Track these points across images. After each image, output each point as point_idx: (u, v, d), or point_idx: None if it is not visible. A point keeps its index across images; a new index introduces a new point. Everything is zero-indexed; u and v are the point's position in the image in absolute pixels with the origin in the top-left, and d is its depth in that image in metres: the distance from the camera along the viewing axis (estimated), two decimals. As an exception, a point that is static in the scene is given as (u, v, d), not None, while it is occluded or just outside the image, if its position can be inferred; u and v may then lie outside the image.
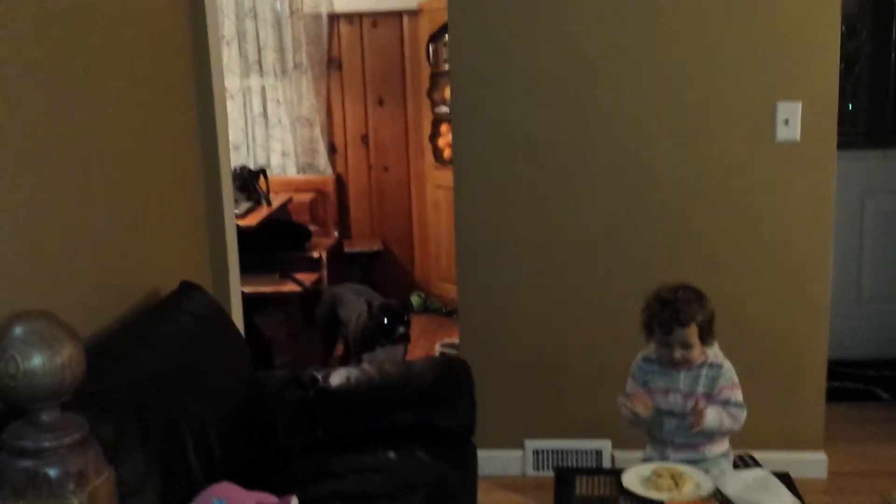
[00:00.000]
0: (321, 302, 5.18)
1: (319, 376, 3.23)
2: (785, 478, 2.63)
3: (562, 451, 3.85)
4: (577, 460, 3.84)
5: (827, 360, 3.74)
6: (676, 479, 2.56)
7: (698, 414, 2.66)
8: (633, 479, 2.60)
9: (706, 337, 2.72)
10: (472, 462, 2.99)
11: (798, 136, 3.57)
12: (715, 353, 2.79)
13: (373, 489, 2.69)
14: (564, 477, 2.68)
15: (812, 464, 3.76)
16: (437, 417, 3.06)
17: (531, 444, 3.87)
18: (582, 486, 2.62)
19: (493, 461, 3.83)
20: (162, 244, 3.18)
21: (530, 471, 3.87)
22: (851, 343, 4.89)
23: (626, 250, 3.72)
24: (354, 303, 4.86)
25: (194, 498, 2.27)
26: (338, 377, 3.20)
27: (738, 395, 2.75)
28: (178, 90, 3.38)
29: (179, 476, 2.34)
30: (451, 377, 3.21)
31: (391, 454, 2.89)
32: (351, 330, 4.80)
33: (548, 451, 3.86)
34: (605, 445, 3.83)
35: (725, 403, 2.72)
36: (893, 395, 4.63)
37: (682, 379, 2.76)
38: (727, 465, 2.83)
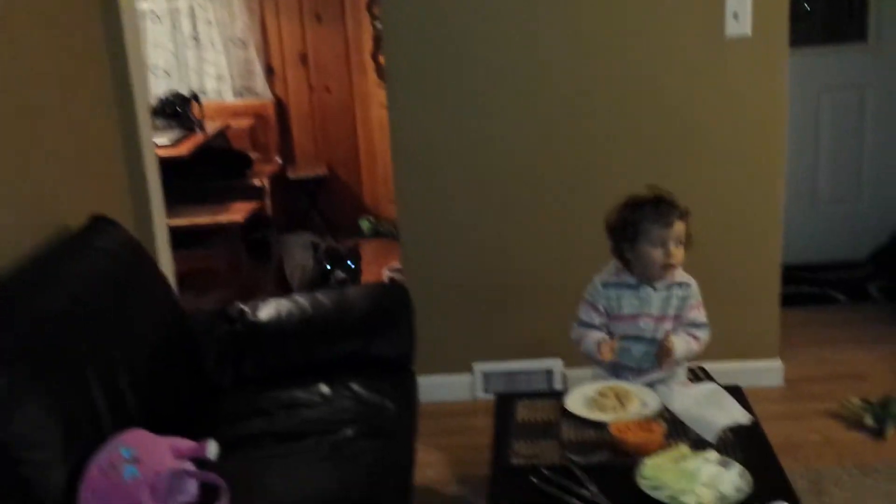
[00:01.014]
0: (272, 255, 4.99)
1: (248, 309, 3.04)
2: (735, 391, 2.51)
3: (512, 373, 3.72)
4: (528, 381, 3.71)
5: (782, 264, 3.62)
6: (622, 398, 2.43)
7: (665, 352, 2.54)
8: (576, 401, 2.46)
9: (689, 240, 2.55)
10: (411, 391, 2.84)
11: (749, 30, 3.36)
12: (679, 271, 2.63)
13: (304, 425, 2.53)
14: (506, 402, 2.54)
15: (768, 372, 3.67)
16: (374, 346, 2.90)
17: (480, 367, 3.73)
18: (523, 411, 2.47)
19: (441, 387, 3.70)
20: (72, 176, 2.94)
21: (480, 394, 3.74)
22: (807, 246, 4.79)
23: (571, 159, 3.53)
24: (300, 256, 4.62)
25: (100, 448, 2.09)
26: (267, 310, 3.02)
27: (703, 315, 2.62)
28: (81, 6, 3.09)
29: (85, 425, 2.15)
30: (388, 304, 3.04)
31: (324, 388, 2.72)
32: (296, 287, 4.61)
33: (498, 374, 3.72)
34: (555, 364, 3.70)
35: (692, 325, 2.59)
36: (850, 297, 4.55)
37: (654, 301, 2.60)
38: (680, 377, 2.70)
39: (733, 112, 3.45)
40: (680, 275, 2.63)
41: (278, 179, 6.09)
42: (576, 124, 3.49)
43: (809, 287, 4.55)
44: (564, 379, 3.70)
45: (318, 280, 4.41)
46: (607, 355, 2.56)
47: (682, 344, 2.55)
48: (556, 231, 3.59)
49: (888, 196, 4.92)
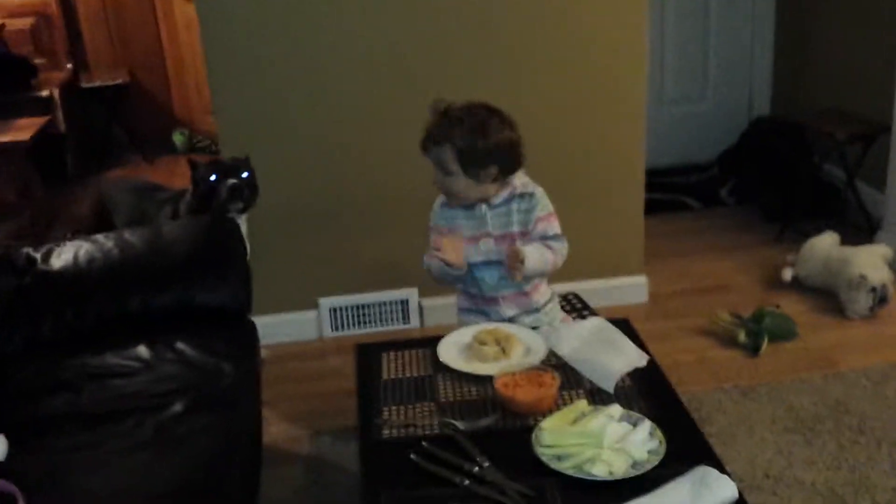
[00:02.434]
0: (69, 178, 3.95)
1: (38, 255, 2.47)
2: (622, 324, 2.22)
3: (363, 307, 3.33)
4: (381, 314, 3.34)
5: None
6: (503, 344, 2.08)
7: (514, 257, 2.17)
8: (451, 351, 2.09)
9: (473, 168, 2.15)
10: (251, 346, 2.39)
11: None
12: (523, 181, 2.27)
13: (119, 402, 2.05)
14: (367, 355, 2.14)
15: (633, 288, 3.46)
16: (201, 294, 2.41)
17: (327, 303, 3.31)
18: (390, 365, 2.09)
19: (284, 326, 3.27)
20: None
21: (328, 332, 3.34)
22: (655, 150, 4.60)
23: (418, 70, 3.09)
24: (128, 205, 3.19)
25: None
26: (62, 255, 2.46)
27: (555, 226, 2.27)
28: None
29: None
30: (214, 240, 2.54)
31: (143, 350, 2.23)
32: None
33: (347, 308, 3.32)
34: (410, 294, 3.34)
35: (543, 237, 2.25)
36: (703, 201, 4.43)
37: (491, 220, 2.25)
38: (556, 313, 2.40)
39: (592, 14, 3.10)
40: (522, 186, 2.27)
41: (70, 89, 5.28)
42: (425, 32, 3.06)
43: (663, 194, 4.38)
44: (421, 310, 3.35)
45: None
46: (448, 251, 2.18)
47: (534, 252, 2.20)
48: (407, 145, 3.15)
49: (734, 96, 4.82)
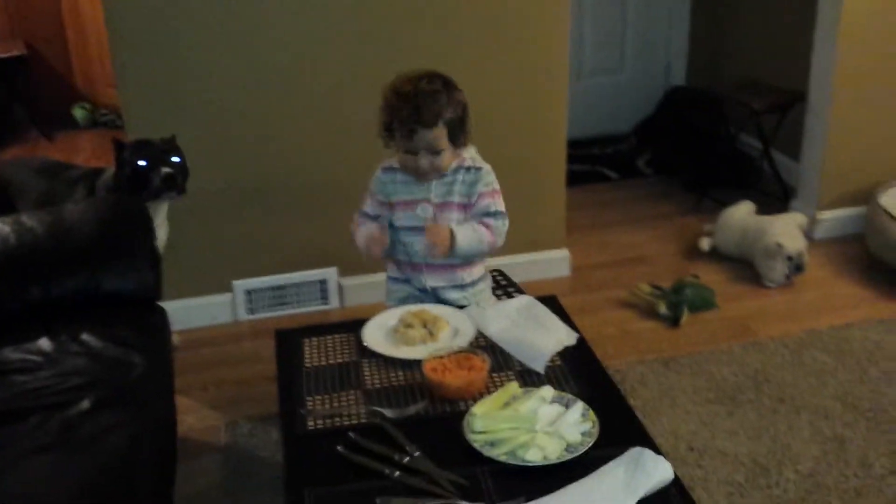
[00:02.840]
0: None
1: (-75, 243, 2.28)
2: (550, 301, 2.19)
3: (279, 288, 3.22)
4: (298, 295, 3.24)
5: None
6: (429, 326, 2.02)
7: (437, 234, 2.12)
8: (376, 335, 2.02)
9: (459, 137, 2.13)
10: (162, 334, 2.26)
11: None
12: (472, 155, 2.22)
13: (19, 400, 1.91)
14: (288, 342, 2.05)
15: (556, 262, 3.44)
16: (107, 280, 2.27)
17: (242, 285, 3.19)
18: (312, 352, 2.00)
19: (196, 311, 3.14)
20: None
21: (243, 315, 3.22)
22: (573, 121, 4.57)
23: (340, 43, 2.97)
24: (51, 182, 2.91)
25: None
26: (-47, 241, 2.27)
27: (499, 203, 2.23)
28: None
29: None
30: (119, 222, 2.39)
31: (45, 343, 2.09)
32: None
33: (263, 290, 3.20)
34: (329, 274, 3.24)
35: (486, 213, 2.20)
36: (621, 172, 4.43)
37: (434, 187, 2.19)
38: (486, 294, 2.35)
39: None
40: (471, 159, 2.22)
41: (-39, 62, 4.96)
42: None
43: (580, 165, 4.37)
44: (341, 290, 3.26)
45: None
46: (376, 251, 2.18)
47: (468, 232, 2.16)
48: (325, 118, 3.05)
49: (650, 67, 4.83)
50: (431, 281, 2.25)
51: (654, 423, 2.54)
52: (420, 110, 2.04)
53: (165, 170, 2.65)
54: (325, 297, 3.27)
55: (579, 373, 1.89)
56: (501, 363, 1.93)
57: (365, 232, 2.22)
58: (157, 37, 2.86)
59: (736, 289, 3.34)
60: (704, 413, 2.63)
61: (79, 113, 5.48)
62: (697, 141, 4.24)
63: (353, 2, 2.95)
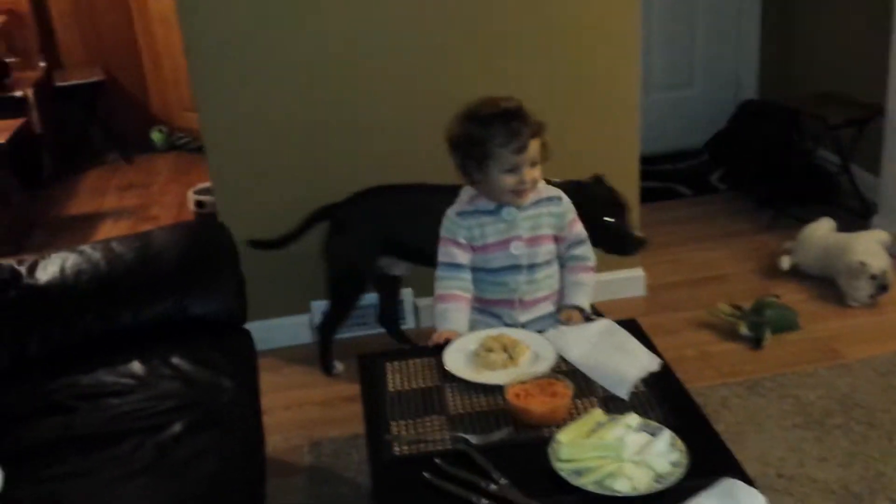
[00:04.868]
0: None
1: (23, 269, 2.38)
2: (630, 325, 2.16)
3: (358, 309, 3.22)
4: (375, 316, 3.26)
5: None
6: (510, 351, 2.02)
7: (571, 320, 2.21)
8: (457, 360, 2.03)
9: (546, 153, 2.15)
10: (249, 357, 2.31)
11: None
12: (545, 185, 2.23)
13: (115, 423, 1.97)
14: (371, 366, 2.07)
15: (630, 282, 3.41)
16: (193, 304, 2.34)
17: (319, 305, 3.22)
18: (395, 377, 2.02)
19: (275, 332, 3.19)
20: None
21: (321, 335, 3.26)
22: (645, 138, 4.54)
23: (408, 64, 3.01)
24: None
25: None
26: (48, 268, 2.37)
27: (582, 228, 2.29)
28: None
29: None
30: (206, 248, 2.47)
31: (137, 366, 2.15)
32: None
33: (339, 311, 3.24)
34: (405, 295, 3.26)
35: (576, 243, 2.27)
36: (694, 188, 4.38)
37: (522, 221, 2.20)
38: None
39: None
40: (546, 189, 2.24)
41: (44, 89, 5.15)
42: (416, 14, 2.96)
43: (652, 182, 4.33)
44: (417, 311, 3.27)
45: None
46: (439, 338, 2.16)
47: (583, 294, 2.26)
48: (398, 138, 3.08)
49: (720, 80, 4.77)
50: (524, 316, 2.24)
51: (740, 449, 2.46)
52: (525, 121, 2.07)
53: (638, 234, 2.73)
54: (401, 318, 3.28)
55: (664, 399, 1.87)
56: (584, 389, 1.91)
57: (445, 312, 2.21)
58: (233, 62, 2.92)
59: (818, 308, 3.27)
60: (792, 438, 2.57)
61: (156, 136, 5.63)
62: (772, 155, 4.16)
63: (417, 24, 2.98)
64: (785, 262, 3.51)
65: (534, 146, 2.10)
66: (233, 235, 2.52)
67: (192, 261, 2.40)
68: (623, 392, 1.88)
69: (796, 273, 3.49)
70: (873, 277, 3.19)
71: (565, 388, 1.84)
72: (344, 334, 3.25)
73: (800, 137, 4.02)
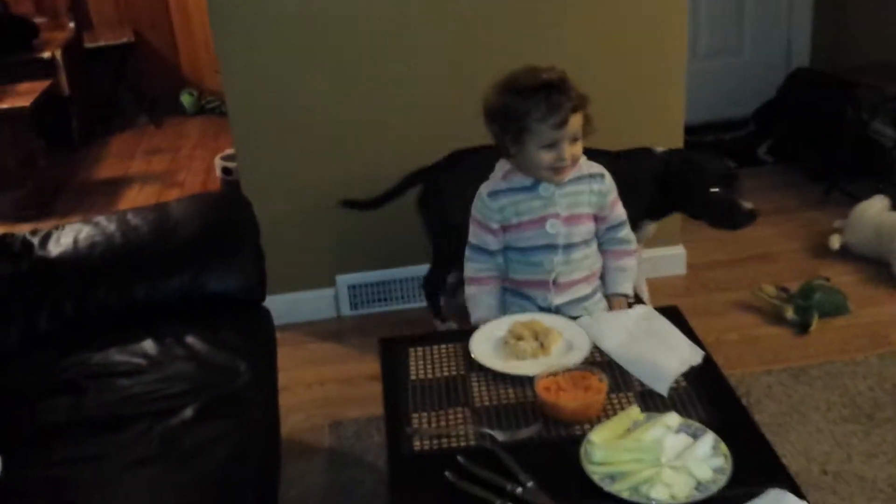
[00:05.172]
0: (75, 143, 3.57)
1: (35, 240, 2.29)
2: (671, 312, 2.02)
3: (382, 284, 3.14)
4: (403, 292, 3.15)
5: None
6: (541, 338, 1.89)
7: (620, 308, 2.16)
8: (484, 347, 1.90)
9: (588, 124, 2.00)
10: (267, 337, 2.21)
11: None
12: (585, 161, 2.08)
13: (123, 406, 1.88)
14: (392, 352, 1.95)
15: (671, 259, 3.26)
16: (211, 280, 2.23)
17: (344, 280, 3.12)
18: (418, 364, 1.90)
19: (300, 306, 3.10)
20: None
21: (346, 310, 3.16)
22: (689, 106, 4.34)
23: (445, 21, 2.85)
24: None
25: None
26: (62, 240, 2.29)
27: (623, 210, 2.18)
28: None
29: None
30: (225, 222, 2.36)
31: (149, 345, 2.06)
32: None
33: (366, 286, 3.13)
34: (432, 269, 3.14)
35: (616, 225, 2.16)
36: (740, 161, 4.16)
37: (560, 199, 2.06)
38: (602, 302, 2.20)
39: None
40: (587, 165, 2.10)
41: (73, 50, 5.07)
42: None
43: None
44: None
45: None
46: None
47: (628, 280, 2.19)
48: (433, 107, 2.94)
49: (771, 47, 4.54)
50: (559, 298, 2.12)
51: (782, 442, 2.35)
52: (569, 94, 1.93)
53: (748, 206, 2.53)
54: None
55: (706, 396, 1.73)
56: (620, 382, 1.78)
57: (480, 304, 2.15)
58: (260, 23, 2.80)
59: (869, 292, 3.09)
60: (839, 432, 2.42)
61: (186, 99, 5.54)
62: (824, 128, 3.95)
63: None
64: (835, 242, 3.34)
65: (575, 121, 1.95)
66: (254, 208, 2.41)
67: (211, 235, 2.29)
68: (662, 388, 1.75)
69: (846, 253, 3.31)
70: (930, 260, 3.01)
71: (600, 383, 1.71)
72: (369, 310, 3.15)
73: (855, 109, 3.80)
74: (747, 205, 2.52)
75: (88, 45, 5.27)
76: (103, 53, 5.29)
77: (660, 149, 2.65)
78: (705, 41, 4.48)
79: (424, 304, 3.13)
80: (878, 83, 3.59)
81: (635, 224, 2.60)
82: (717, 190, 2.50)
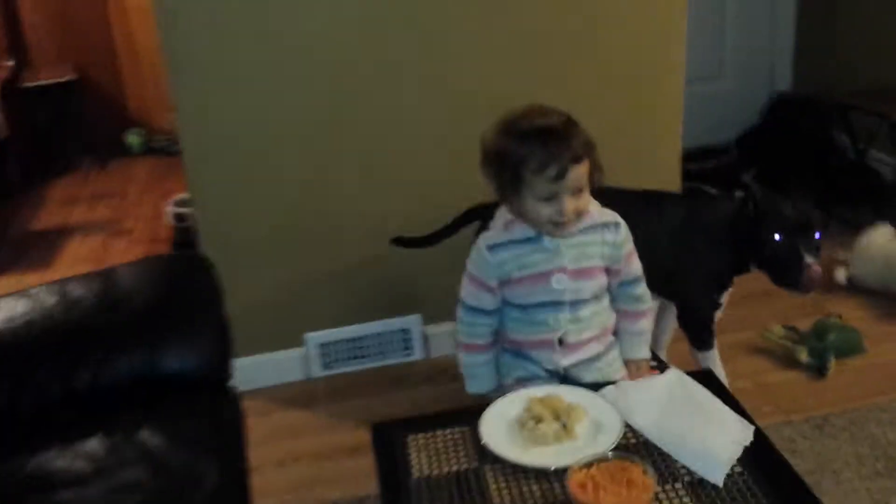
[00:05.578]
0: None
1: (-38, 316, 1.95)
2: (706, 377, 1.77)
3: (357, 340, 2.84)
4: (380, 349, 2.86)
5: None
6: (563, 418, 1.62)
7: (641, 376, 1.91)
8: (498, 431, 1.62)
9: (595, 174, 1.75)
10: (236, 426, 1.89)
11: None
12: (598, 208, 1.83)
13: (66, 522, 1.55)
14: (388, 441, 1.66)
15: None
16: (167, 361, 1.90)
17: (315, 338, 2.82)
18: (420, 456, 1.61)
19: (264, 369, 2.79)
20: None
21: (317, 371, 2.85)
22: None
23: (428, 62, 2.61)
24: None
25: None
26: (-7, 316, 1.94)
27: (639, 264, 1.92)
28: None
29: None
30: (183, 289, 2.04)
31: (96, 444, 1.74)
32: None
33: (339, 343, 2.83)
34: (412, 323, 2.86)
35: (631, 281, 1.91)
36: (725, 188, 3.96)
37: (566, 250, 1.81)
38: (617, 362, 1.94)
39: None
40: (600, 213, 1.85)
41: (11, 89, 4.72)
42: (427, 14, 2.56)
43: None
44: (426, 341, 2.87)
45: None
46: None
47: (644, 343, 1.96)
48: (408, 148, 2.68)
49: (752, 72, 4.37)
50: (567, 359, 1.86)
51: (819, 509, 2.10)
52: (570, 142, 1.68)
53: (809, 260, 2.10)
54: (408, 348, 2.89)
55: (766, 482, 1.47)
56: (662, 470, 1.51)
57: (479, 373, 1.92)
58: (216, 58, 2.51)
59: (884, 328, 2.89)
60: (875, 489, 2.19)
61: (132, 139, 5.21)
62: (815, 154, 3.77)
63: (434, 16, 2.57)
64: (841, 275, 3.13)
65: (577, 172, 1.70)
66: (216, 268, 2.10)
67: (166, 305, 1.97)
68: (718, 477, 1.48)
69: (854, 287, 3.10)
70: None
71: (644, 476, 1.43)
72: (342, 368, 2.86)
73: (851, 135, 3.61)
74: (809, 260, 2.10)
75: (27, 84, 4.92)
76: (44, 93, 4.94)
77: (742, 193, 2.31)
78: (687, 66, 4.28)
79: (404, 359, 2.86)
80: (877, 108, 3.40)
81: (723, 282, 2.36)
82: (781, 237, 2.14)
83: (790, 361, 2.72)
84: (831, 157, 3.68)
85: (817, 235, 2.13)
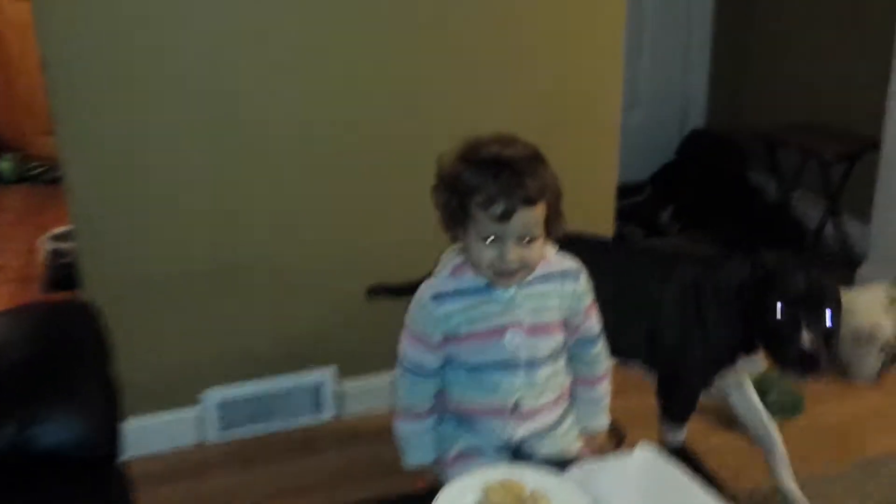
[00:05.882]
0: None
1: None
2: (683, 455, 1.58)
3: (262, 399, 2.53)
4: (287, 408, 2.55)
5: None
6: (526, 505, 1.38)
7: (599, 450, 1.76)
8: (456, 526, 1.37)
9: (555, 223, 1.55)
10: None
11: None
12: (558, 256, 1.64)
13: None
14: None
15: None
16: (43, 435, 1.58)
17: (213, 397, 2.49)
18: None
19: (151, 432, 2.44)
20: None
21: (213, 434, 2.52)
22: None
23: (344, 91, 2.39)
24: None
25: None
26: None
27: (598, 320, 1.71)
28: None
29: None
30: (63, 346, 1.71)
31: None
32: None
33: (241, 402, 2.52)
34: (325, 377, 2.57)
35: (586, 339, 1.70)
36: (644, 228, 3.85)
37: (522, 302, 1.59)
38: (573, 432, 1.73)
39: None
40: (559, 260, 1.64)
41: None
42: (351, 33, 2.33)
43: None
44: (340, 399, 2.59)
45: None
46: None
47: (603, 411, 1.77)
48: (311, 190, 2.42)
49: (665, 107, 4.31)
50: (521, 430, 1.64)
51: None
52: (522, 180, 1.46)
53: (808, 338, 1.80)
54: (318, 407, 2.59)
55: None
56: (648, 572, 1.30)
57: (418, 443, 1.69)
58: (103, 76, 2.19)
59: (820, 386, 2.71)
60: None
61: (5, 166, 4.73)
62: (733, 193, 3.70)
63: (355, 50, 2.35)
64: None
65: (526, 217, 1.49)
66: (102, 318, 1.78)
67: (42, 366, 1.63)
68: (711, 583, 1.27)
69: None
70: (882, 349, 2.72)
71: (631, 584, 1.21)
72: (241, 432, 2.55)
73: (777, 172, 3.56)
74: (807, 344, 1.80)
75: None
76: None
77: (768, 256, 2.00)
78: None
79: (313, 419, 2.58)
80: (814, 146, 3.36)
81: (725, 358, 2.07)
82: (783, 308, 1.85)
83: (728, 422, 2.56)
84: (752, 197, 3.62)
85: (828, 313, 1.84)
